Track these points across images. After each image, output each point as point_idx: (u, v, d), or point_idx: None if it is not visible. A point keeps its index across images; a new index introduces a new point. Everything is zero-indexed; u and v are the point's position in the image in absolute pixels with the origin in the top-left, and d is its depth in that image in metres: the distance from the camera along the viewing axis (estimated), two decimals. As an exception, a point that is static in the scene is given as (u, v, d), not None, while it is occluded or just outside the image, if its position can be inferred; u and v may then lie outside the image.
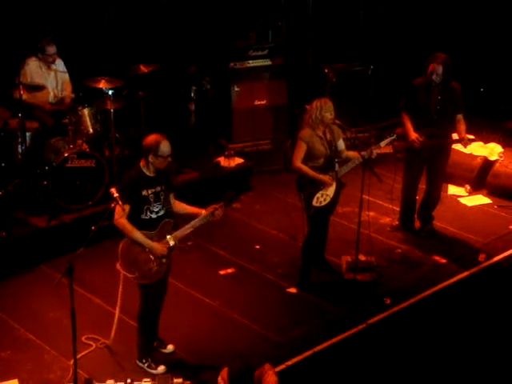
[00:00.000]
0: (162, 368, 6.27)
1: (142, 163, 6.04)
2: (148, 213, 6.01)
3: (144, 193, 5.97)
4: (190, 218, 6.20)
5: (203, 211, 6.15)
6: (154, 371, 6.25)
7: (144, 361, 6.31)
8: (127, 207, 5.92)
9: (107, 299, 7.07)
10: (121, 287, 6.21)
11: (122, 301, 6.35)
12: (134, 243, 5.99)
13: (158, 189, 6.05)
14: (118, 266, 6.07)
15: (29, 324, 6.85)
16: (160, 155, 5.93)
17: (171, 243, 6.10)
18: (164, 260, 6.09)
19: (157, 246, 6.02)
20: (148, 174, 6.02)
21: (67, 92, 8.70)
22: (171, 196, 6.24)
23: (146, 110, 9.07)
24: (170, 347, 6.52)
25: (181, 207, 6.29)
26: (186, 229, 6.15)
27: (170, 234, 6.11)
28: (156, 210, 6.04)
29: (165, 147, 5.95)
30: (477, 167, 9.66)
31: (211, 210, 6.12)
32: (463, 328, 6.89)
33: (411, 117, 8.08)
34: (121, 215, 5.91)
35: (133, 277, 6.07)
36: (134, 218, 5.97)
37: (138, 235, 5.96)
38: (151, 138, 6.01)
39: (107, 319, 6.71)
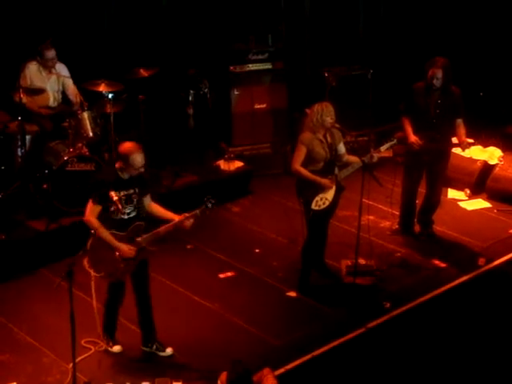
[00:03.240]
0: (117, 348, 6.46)
1: (117, 165, 6.11)
2: (119, 214, 6.06)
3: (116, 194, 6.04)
4: (164, 221, 6.23)
5: (177, 217, 6.18)
6: (110, 349, 6.46)
7: (105, 338, 6.50)
8: (98, 207, 6.01)
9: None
10: (93, 283, 6.22)
11: (98, 297, 6.39)
12: (102, 242, 6.03)
13: (131, 191, 6.10)
14: (84, 262, 6.09)
15: (28, 327, 6.84)
16: (130, 166, 6.02)
17: (140, 245, 6.13)
18: (132, 261, 6.13)
19: (123, 248, 6.06)
20: (122, 176, 6.08)
21: (73, 96, 8.65)
22: (147, 198, 6.28)
23: (146, 113, 9.08)
24: (169, 350, 6.52)
25: (157, 210, 6.34)
26: (157, 232, 6.18)
27: (140, 236, 6.13)
28: (127, 211, 6.10)
29: (136, 159, 6.01)
30: (477, 171, 9.65)
31: (183, 217, 6.15)
32: (463, 332, 6.87)
33: (411, 120, 8.09)
34: (91, 213, 6.01)
35: (99, 275, 6.13)
36: (105, 217, 6.04)
37: (106, 235, 6.02)
38: (125, 148, 6.09)
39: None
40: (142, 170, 6.08)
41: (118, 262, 6.10)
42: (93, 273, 6.10)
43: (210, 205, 6.19)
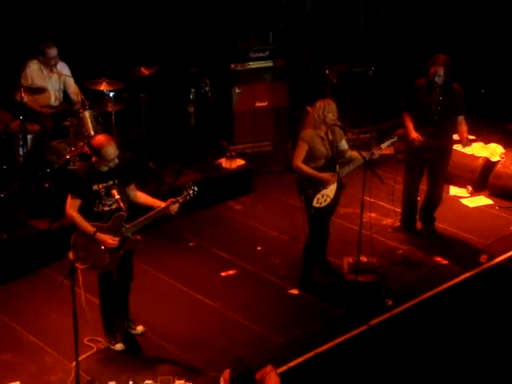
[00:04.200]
0: (119, 346, 6.49)
1: (93, 159, 6.16)
2: (100, 206, 6.14)
3: (95, 187, 6.10)
4: (150, 209, 6.27)
5: (162, 204, 6.23)
6: (112, 347, 6.47)
7: (107, 336, 6.52)
8: (78, 201, 6.09)
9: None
10: (80, 276, 6.19)
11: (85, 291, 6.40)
12: (85, 235, 6.08)
13: (111, 183, 6.15)
14: (70, 255, 6.12)
15: (31, 326, 6.85)
16: (103, 159, 6.06)
17: (124, 235, 6.17)
18: (116, 252, 6.17)
19: (105, 239, 6.10)
20: (100, 169, 6.13)
21: (74, 95, 8.66)
22: (132, 188, 6.34)
23: (147, 111, 9.08)
24: (140, 328, 6.65)
25: (142, 198, 6.41)
26: (141, 221, 6.22)
27: (123, 226, 6.17)
28: (109, 203, 6.15)
29: (108, 152, 6.06)
30: (478, 168, 9.64)
31: (168, 203, 6.21)
32: (465, 329, 6.88)
33: (412, 117, 8.08)
34: (70, 207, 6.09)
35: (85, 267, 6.16)
36: (86, 210, 6.12)
37: (88, 227, 6.07)
38: (97, 141, 6.16)
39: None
40: (117, 161, 6.13)
41: (103, 253, 6.15)
42: (79, 265, 6.11)
43: (191, 191, 6.24)
